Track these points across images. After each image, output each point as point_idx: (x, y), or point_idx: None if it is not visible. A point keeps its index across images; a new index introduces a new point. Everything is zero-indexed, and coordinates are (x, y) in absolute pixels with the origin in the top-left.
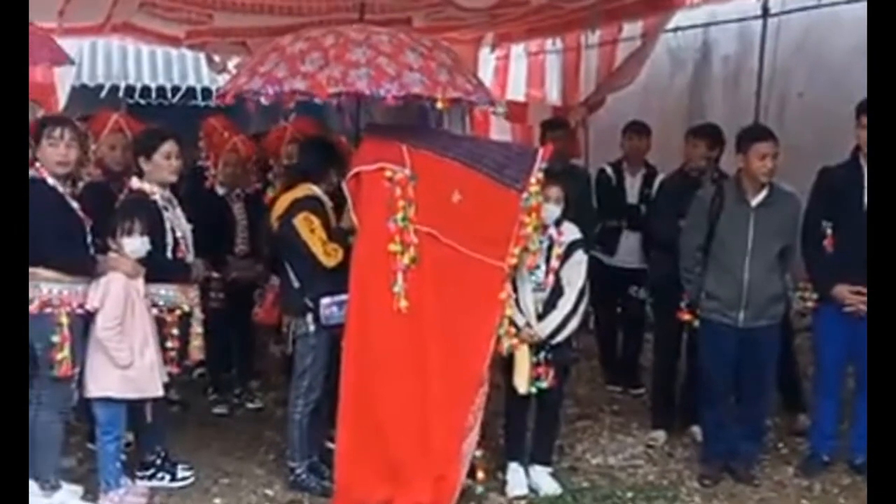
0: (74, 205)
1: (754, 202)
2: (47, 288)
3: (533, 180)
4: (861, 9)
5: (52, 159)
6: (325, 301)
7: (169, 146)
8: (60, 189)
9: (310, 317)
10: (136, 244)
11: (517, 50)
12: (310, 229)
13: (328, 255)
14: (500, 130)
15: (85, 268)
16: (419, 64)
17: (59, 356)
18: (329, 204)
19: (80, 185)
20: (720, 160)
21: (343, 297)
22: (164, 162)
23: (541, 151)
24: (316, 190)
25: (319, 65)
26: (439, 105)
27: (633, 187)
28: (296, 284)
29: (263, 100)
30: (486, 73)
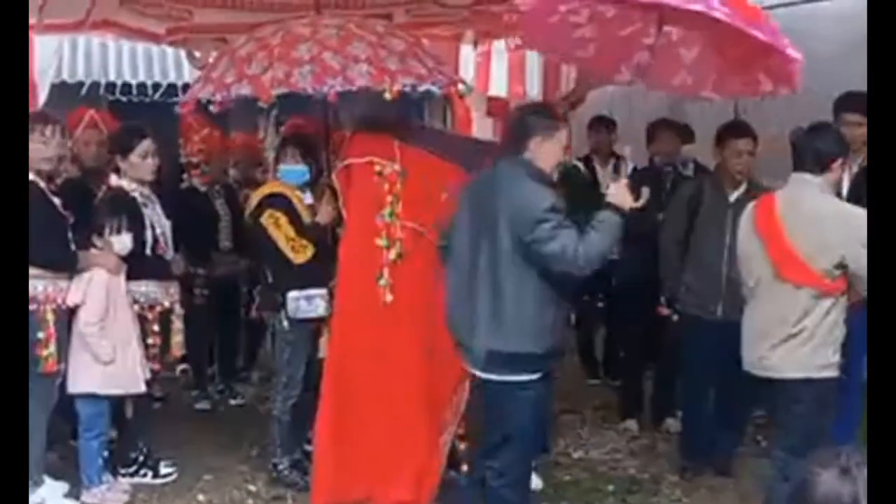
0: (56, 201)
1: (732, 197)
2: (32, 284)
3: None
4: (841, 6)
5: (38, 156)
6: (292, 294)
7: (146, 145)
8: (42, 185)
9: (283, 312)
10: (124, 241)
11: (498, 46)
12: (275, 226)
13: (296, 252)
14: (481, 126)
15: (68, 264)
16: (367, 54)
17: (44, 352)
18: (305, 200)
19: (58, 181)
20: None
21: (312, 291)
22: (141, 161)
23: None
24: (285, 186)
25: (264, 66)
26: (387, 96)
27: (606, 178)
28: (269, 280)
29: (212, 108)
30: (468, 70)
